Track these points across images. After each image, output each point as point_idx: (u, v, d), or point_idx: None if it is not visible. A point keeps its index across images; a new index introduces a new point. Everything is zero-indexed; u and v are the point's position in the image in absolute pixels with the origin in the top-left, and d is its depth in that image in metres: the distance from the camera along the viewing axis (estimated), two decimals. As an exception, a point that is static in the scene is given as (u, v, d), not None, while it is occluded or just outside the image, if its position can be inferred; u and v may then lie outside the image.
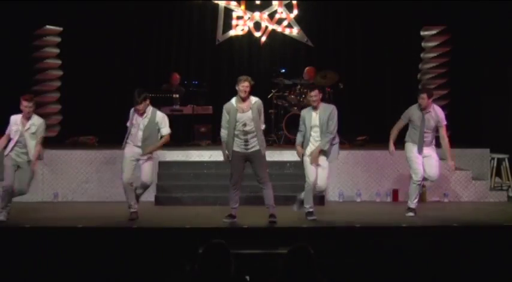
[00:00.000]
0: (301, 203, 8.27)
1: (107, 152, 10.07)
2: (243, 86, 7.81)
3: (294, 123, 11.17)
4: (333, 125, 8.08)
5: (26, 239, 7.25)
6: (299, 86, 11.71)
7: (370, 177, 10.04)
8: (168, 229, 7.79)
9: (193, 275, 4.29)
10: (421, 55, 12.47)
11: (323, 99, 11.59)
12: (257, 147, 7.85)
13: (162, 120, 8.16)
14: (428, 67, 12.31)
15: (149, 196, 9.68)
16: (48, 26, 12.15)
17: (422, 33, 12.39)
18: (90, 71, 12.39)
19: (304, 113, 8.29)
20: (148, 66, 12.81)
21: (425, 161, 8.46)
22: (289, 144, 11.04)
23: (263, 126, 8.06)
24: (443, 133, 8.48)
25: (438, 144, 8.66)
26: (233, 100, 7.92)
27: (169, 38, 12.99)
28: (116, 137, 9.66)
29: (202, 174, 10.04)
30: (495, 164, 10.46)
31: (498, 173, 10.54)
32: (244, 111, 7.83)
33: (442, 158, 8.99)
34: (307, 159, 8.19)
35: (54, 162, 10.05)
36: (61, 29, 12.30)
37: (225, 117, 7.97)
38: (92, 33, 12.31)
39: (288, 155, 9.95)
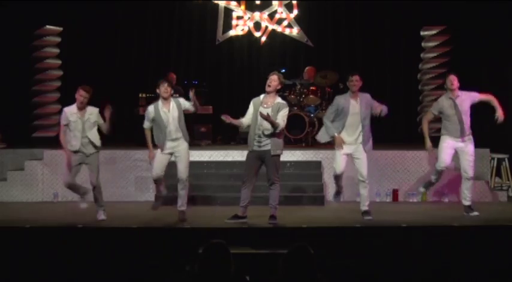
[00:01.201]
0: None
1: (107, 152, 10.05)
2: (270, 79, 7.87)
3: (294, 123, 11.20)
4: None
5: (26, 239, 7.25)
6: (299, 86, 11.72)
7: (370, 177, 10.00)
8: (168, 229, 7.79)
9: (193, 275, 4.29)
10: (421, 55, 12.47)
11: (324, 98, 11.70)
12: (268, 147, 7.80)
13: (184, 101, 8.29)
14: (428, 67, 12.31)
15: (149, 196, 9.69)
16: (48, 26, 12.15)
17: (422, 33, 12.39)
18: (90, 71, 12.39)
19: (342, 100, 8.26)
20: (149, 66, 12.81)
21: (460, 155, 8.47)
22: (290, 144, 11.04)
23: (279, 124, 7.74)
24: (484, 96, 8.56)
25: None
26: (262, 95, 7.97)
27: (169, 38, 12.99)
28: (115, 137, 9.66)
29: (202, 174, 10.04)
30: (495, 164, 10.46)
31: (498, 173, 10.54)
32: (266, 106, 7.82)
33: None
34: (339, 152, 8.20)
35: (54, 162, 10.05)
36: (61, 29, 12.30)
37: (249, 110, 7.97)
38: (92, 33, 12.32)
39: (288, 155, 9.94)
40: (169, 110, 8.14)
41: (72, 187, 8.33)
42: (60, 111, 12.02)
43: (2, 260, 6.28)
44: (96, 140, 8.25)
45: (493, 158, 10.44)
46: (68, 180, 8.27)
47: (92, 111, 8.29)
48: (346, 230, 7.73)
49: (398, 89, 12.68)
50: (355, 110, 8.18)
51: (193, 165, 10.13)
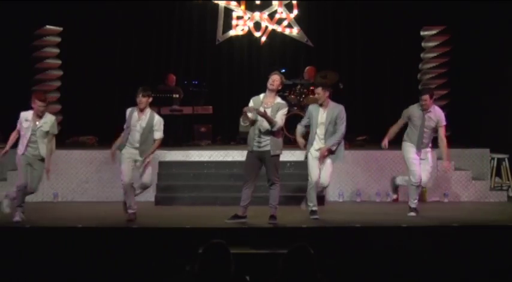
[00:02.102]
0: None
1: (107, 152, 9.98)
2: (272, 78, 7.85)
3: (294, 124, 11.12)
4: (342, 124, 8.15)
5: (26, 239, 7.25)
6: (299, 86, 11.72)
7: (370, 177, 10.04)
8: (168, 229, 7.78)
9: (193, 275, 4.29)
10: (421, 55, 12.47)
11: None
12: (268, 148, 7.79)
13: (158, 124, 8.21)
14: (428, 67, 12.31)
15: (149, 196, 9.68)
16: (48, 26, 12.15)
17: (422, 33, 12.39)
18: (90, 71, 12.40)
19: (312, 108, 8.30)
20: (149, 66, 12.82)
21: (421, 164, 8.48)
22: (290, 144, 11.03)
23: (277, 123, 7.72)
24: (442, 133, 8.50)
25: (436, 145, 8.69)
26: (262, 94, 7.95)
27: (169, 38, 13.00)
28: (115, 137, 9.66)
29: (202, 174, 10.04)
30: (495, 164, 10.46)
31: (498, 173, 10.54)
32: (266, 106, 7.81)
33: (439, 158, 8.98)
34: (310, 158, 8.22)
35: (54, 162, 9.96)
36: (61, 29, 12.30)
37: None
38: (92, 33, 12.32)
39: (288, 155, 9.95)
40: (140, 118, 8.13)
41: (23, 189, 8.14)
42: (60, 112, 12.14)
43: (2, 260, 6.28)
44: (43, 152, 8.13)
45: (493, 158, 10.44)
46: (21, 183, 8.14)
47: (47, 120, 8.17)
48: (346, 230, 7.73)
49: (398, 89, 12.68)
50: (322, 119, 8.19)
51: (193, 165, 10.18)
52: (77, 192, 9.99)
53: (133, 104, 8.68)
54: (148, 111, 8.19)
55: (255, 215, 8.10)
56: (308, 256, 4.28)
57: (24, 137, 8.12)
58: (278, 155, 7.90)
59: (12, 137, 8.24)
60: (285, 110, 7.88)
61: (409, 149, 8.51)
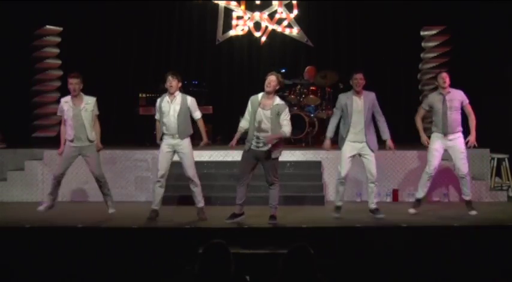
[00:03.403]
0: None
1: (107, 152, 10.04)
2: (268, 80, 7.79)
3: (294, 123, 11.16)
4: (380, 110, 8.29)
5: (26, 239, 7.25)
6: (299, 86, 11.71)
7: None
8: (168, 229, 7.79)
9: (193, 275, 4.29)
10: (421, 55, 12.47)
11: (324, 98, 11.71)
12: (266, 148, 7.78)
13: (194, 104, 8.23)
14: (428, 67, 12.32)
15: (149, 196, 9.69)
16: (48, 26, 12.16)
17: (422, 33, 12.40)
18: (90, 71, 12.37)
19: (344, 98, 8.27)
20: (149, 66, 12.81)
21: (451, 154, 8.49)
22: (290, 144, 11.04)
23: (286, 130, 7.73)
24: (469, 109, 8.56)
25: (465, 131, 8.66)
26: (260, 94, 7.89)
27: (169, 38, 13.00)
28: (115, 137, 9.67)
29: (202, 174, 10.00)
30: (495, 164, 10.46)
31: (498, 173, 10.54)
32: (265, 108, 7.78)
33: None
34: (345, 151, 8.19)
35: (54, 162, 10.03)
36: (61, 29, 12.31)
37: (248, 108, 7.92)
38: (92, 33, 12.32)
39: (288, 155, 9.95)
40: (171, 102, 8.10)
41: (56, 183, 8.23)
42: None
43: (2, 260, 6.28)
44: (90, 132, 8.14)
45: (493, 158, 10.44)
46: (57, 172, 8.23)
47: (89, 101, 8.21)
48: (346, 230, 7.73)
49: (398, 89, 12.68)
50: (358, 108, 8.17)
51: (193, 165, 10.17)
52: (77, 192, 9.99)
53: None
54: (179, 94, 8.16)
55: (255, 215, 8.10)
56: (308, 256, 4.28)
57: (69, 119, 8.08)
58: (277, 157, 7.90)
59: (62, 130, 8.19)
60: (286, 112, 7.84)
61: (434, 140, 8.52)
